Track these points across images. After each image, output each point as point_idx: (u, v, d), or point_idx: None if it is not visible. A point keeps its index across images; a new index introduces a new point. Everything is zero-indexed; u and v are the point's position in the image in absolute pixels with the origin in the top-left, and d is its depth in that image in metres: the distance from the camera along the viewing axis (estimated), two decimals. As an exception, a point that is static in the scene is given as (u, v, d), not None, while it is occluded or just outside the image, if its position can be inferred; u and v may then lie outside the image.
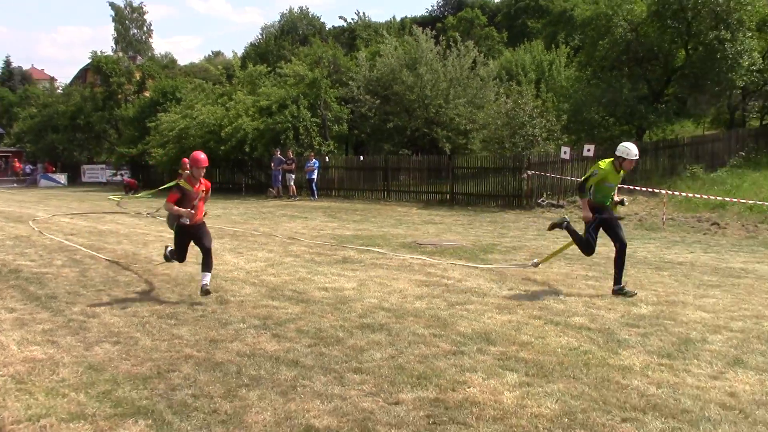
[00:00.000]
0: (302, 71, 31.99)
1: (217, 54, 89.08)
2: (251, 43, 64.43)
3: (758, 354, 6.13)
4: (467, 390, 5.26)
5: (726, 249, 13.51)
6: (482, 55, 32.30)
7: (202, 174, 8.85)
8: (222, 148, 30.31)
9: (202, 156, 8.81)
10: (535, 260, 10.50)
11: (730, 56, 23.36)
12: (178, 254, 9.10)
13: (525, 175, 22.19)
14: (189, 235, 8.84)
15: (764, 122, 30.20)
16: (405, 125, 29.93)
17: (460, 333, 6.88)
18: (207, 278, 8.55)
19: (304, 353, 6.30)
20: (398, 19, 63.67)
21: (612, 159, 8.87)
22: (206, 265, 8.58)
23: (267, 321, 7.39)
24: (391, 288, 9.22)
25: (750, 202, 17.97)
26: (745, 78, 24.81)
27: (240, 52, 61.98)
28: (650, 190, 20.64)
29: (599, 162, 8.93)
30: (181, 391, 5.37)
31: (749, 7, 23.97)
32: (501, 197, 23.23)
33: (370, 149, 34.23)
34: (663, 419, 4.66)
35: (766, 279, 9.87)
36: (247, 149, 29.94)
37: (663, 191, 20.02)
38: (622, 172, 8.85)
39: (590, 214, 8.82)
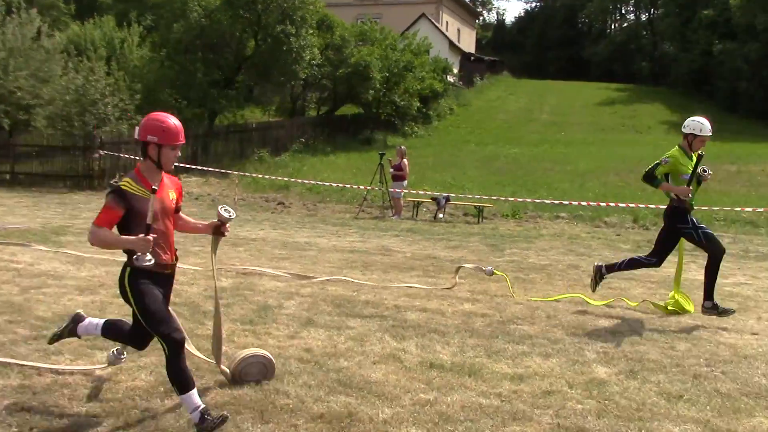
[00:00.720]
0: None
1: None
2: None
3: (325, 314, 7.00)
4: (55, 374, 5.06)
5: (291, 225, 14.87)
6: (47, 25, 29.88)
7: (176, 159, 4.33)
8: None
9: (174, 121, 4.21)
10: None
11: (295, 50, 25.52)
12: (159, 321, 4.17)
13: (97, 155, 21.46)
14: (158, 287, 4.30)
15: (320, 112, 33.64)
16: (-48, 96, 26.26)
17: (39, 317, 6.52)
18: (192, 399, 4.07)
19: None
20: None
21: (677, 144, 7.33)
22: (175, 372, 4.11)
23: None
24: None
25: (310, 183, 20.00)
26: (306, 71, 27.37)
27: None
28: (222, 171, 21.58)
29: (669, 151, 7.22)
30: None
31: (311, 7, 26.47)
32: (70, 178, 22.22)
33: None
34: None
35: (327, 251, 11.18)
36: None
37: (234, 173, 21.15)
38: (694, 155, 7.14)
39: (684, 188, 7.01)
